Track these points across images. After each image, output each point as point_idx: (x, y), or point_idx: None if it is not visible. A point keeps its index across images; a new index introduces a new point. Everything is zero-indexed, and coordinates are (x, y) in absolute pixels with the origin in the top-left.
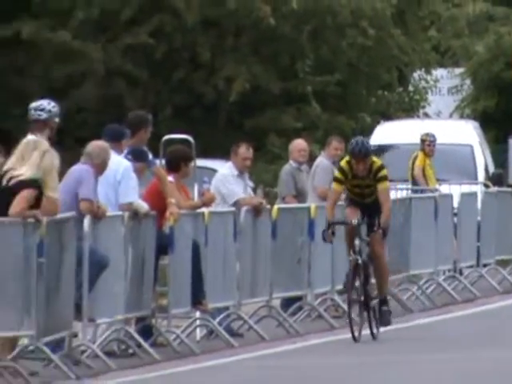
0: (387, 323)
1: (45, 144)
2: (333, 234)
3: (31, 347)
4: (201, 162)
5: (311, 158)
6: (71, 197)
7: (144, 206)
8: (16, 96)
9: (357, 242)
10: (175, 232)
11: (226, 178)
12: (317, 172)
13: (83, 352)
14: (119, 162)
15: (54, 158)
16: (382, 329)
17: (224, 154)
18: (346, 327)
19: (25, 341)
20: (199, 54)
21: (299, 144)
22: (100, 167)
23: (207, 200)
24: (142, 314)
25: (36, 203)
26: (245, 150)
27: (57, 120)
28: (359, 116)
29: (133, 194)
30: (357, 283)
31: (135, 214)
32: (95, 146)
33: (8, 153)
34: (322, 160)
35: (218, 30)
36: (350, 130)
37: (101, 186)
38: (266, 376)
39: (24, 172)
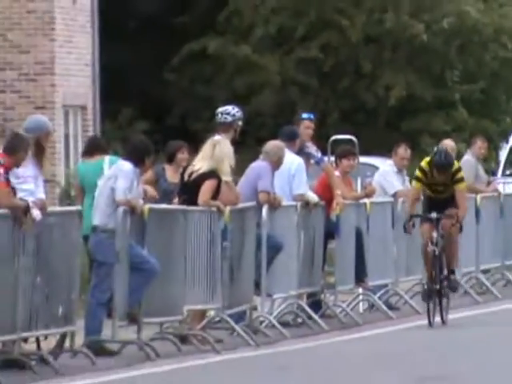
0: (454, 290)
1: (220, 139)
2: (413, 225)
3: (217, 318)
4: (363, 159)
5: (458, 156)
6: (251, 189)
7: (314, 197)
8: (204, 102)
9: (434, 234)
10: (341, 220)
11: (387, 173)
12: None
13: (261, 322)
14: (293, 159)
15: (224, 148)
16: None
17: (383, 152)
18: (488, 302)
19: (212, 313)
20: (362, 66)
21: (448, 144)
22: (276, 163)
23: (369, 192)
24: (313, 289)
25: (217, 190)
26: (403, 151)
27: (240, 123)
28: (500, 119)
29: (304, 186)
30: (432, 274)
31: (306, 204)
32: (272, 145)
33: (195, 151)
34: (467, 158)
35: (378, 45)
36: (492, 131)
37: (277, 180)
38: (424, 344)
39: (201, 166)
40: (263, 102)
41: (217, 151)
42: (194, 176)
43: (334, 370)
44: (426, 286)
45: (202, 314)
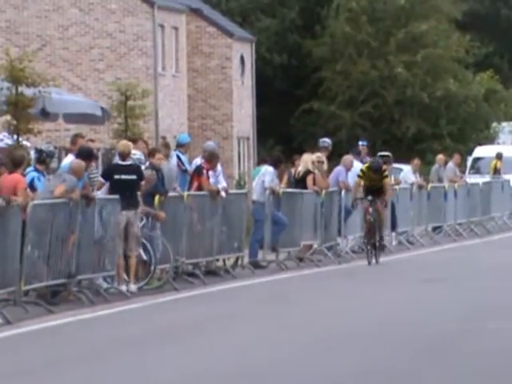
0: (382, 249)
1: (321, 155)
2: (357, 205)
3: (318, 248)
4: (395, 165)
5: (445, 163)
6: (335, 181)
7: None
8: (311, 135)
9: (370, 209)
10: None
11: (407, 173)
12: (447, 169)
13: (341, 251)
14: (357, 165)
15: (321, 158)
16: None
17: (405, 162)
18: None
19: (315, 245)
20: (394, 118)
21: (441, 157)
22: (348, 167)
23: (398, 182)
24: None
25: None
26: (416, 161)
27: (330, 147)
28: (468, 143)
29: None
30: (365, 235)
31: None
32: (345, 158)
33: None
34: (450, 164)
35: (403, 106)
36: (463, 150)
37: (350, 176)
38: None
39: (303, 168)
40: (343, 135)
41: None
42: (301, 174)
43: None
44: (364, 240)
45: (310, 246)
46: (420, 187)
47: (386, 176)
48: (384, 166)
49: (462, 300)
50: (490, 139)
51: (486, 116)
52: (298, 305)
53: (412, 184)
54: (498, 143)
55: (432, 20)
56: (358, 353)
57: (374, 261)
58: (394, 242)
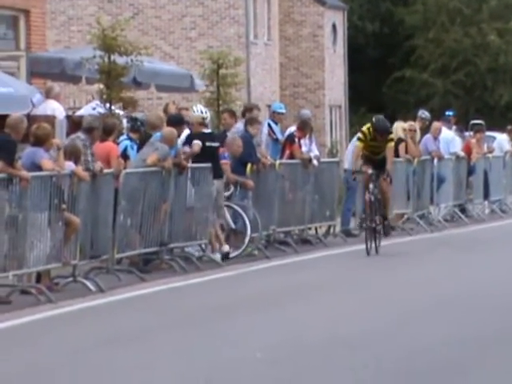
0: (387, 234)
1: (413, 124)
2: (355, 179)
3: (409, 217)
4: (488, 133)
5: None
6: (425, 151)
7: (461, 153)
8: (402, 104)
9: (371, 186)
10: (476, 165)
11: (501, 141)
12: None
13: (433, 219)
14: (448, 133)
15: (413, 126)
16: None
17: (499, 130)
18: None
19: (407, 215)
20: (486, 85)
21: None
22: (435, 135)
23: (490, 150)
24: (460, 202)
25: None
26: (511, 128)
27: (424, 116)
28: None
29: (457, 148)
30: (366, 217)
31: (457, 157)
32: (433, 125)
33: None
34: None
35: (496, 73)
36: None
37: (441, 145)
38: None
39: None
40: (435, 103)
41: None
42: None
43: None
44: (362, 223)
45: (402, 215)
46: None
47: (391, 140)
48: (391, 129)
49: None
50: None
51: None
52: (390, 273)
53: (506, 152)
54: None
55: None
56: (450, 320)
57: (373, 249)
58: (487, 211)
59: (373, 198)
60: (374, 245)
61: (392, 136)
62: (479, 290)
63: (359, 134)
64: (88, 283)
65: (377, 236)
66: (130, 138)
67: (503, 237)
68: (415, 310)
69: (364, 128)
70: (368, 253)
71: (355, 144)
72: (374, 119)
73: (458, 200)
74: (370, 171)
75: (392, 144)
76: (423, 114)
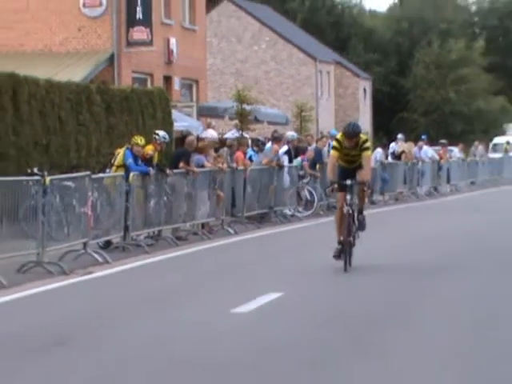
0: (363, 228)
1: None
2: (332, 190)
3: None
4: None
5: None
6: None
7: None
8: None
9: (348, 197)
10: None
11: None
12: None
13: None
14: None
15: None
16: None
17: None
18: None
19: None
20: None
21: None
22: None
23: None
24: None
25: None
26: None
27: None
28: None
29: None
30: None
31: None
32: None
33: None
34: None
35: None
36: None
37: None
38: None
39: None
40: (420, 131)
41: None
42: (398, 153)
43: None
44: (338, 246)
45: (401, 192)
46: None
47: (367, 148)
48: (363, 135)
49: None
50: (503, 133)
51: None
52: (389, 220)
53: (459, 158)
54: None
55: (470, 67)
56: (436, 248)
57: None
58: (449, 190)
59: (350, 210)
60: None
61: (368, 145)
62: (444, 231)
63: (334, 143)
64: (230, 230)
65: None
66: (253, 150)
67: (458, 204)
68: (411, 241)
69: (338, 136)
70: (346, 269)
71: (330, 153)
72: (346, 124)
73: (432, 184)
74: (348, 182)
75: (368, 153)
76: (401, 136)
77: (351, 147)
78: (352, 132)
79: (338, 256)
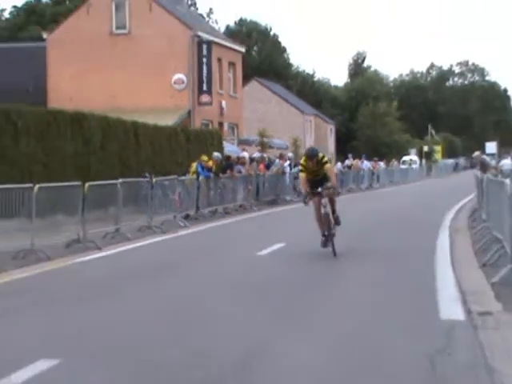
0: (339, 223)
1: None
2: (309, 199)
3: None
4: None
5: None
6: None
7: None
8: None
9: (323, 201)
10: None
11: None
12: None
13: None
14: None
15: None
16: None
17: None
18: None
19: None
20: None
21: None
22: None
23: None
24: None
25: None
26: None
27: None
28: None
29: None
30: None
31: None
32: None
33: None
34: None
35: None
36: None
37: None
38: None
39: None
40: (367, 152)
41: None
42: None
43: None
44: (323, 238)
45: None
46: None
47: (326, 162)
48: (320, 154)
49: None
50: (408, 154)
51: (407, 147)
52: (344, 205)
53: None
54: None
55: (390, 117)
56: (374, 217)
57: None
58: (378, 186)
59: (327, 211)
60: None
61: (325, 159)
62: (377, 207)
63: (300, 167)
64: (255, 208)
65: (333, 240)
66: (268, 163)
67: (384, 193)
68: (359, 213)
69: (301, 160)
70: (335, 254)
71: (300, 175)
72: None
73: (369, 182)
74: (319, 189)
75: (328, 165)
76: (350, 156)
77: (313, 165)
78: (311, 154)
79: (324, 245)
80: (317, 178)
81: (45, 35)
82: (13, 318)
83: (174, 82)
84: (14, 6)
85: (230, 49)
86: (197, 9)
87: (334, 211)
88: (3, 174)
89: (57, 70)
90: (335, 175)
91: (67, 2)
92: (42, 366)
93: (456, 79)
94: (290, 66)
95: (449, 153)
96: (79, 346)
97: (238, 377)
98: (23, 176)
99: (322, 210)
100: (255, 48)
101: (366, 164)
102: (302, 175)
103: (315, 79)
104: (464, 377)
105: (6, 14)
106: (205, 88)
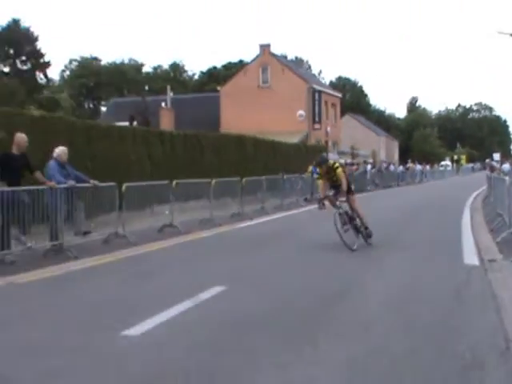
0: (370, 236)
1: None
2: (323, 204)
3: None
4: None
5: None
6: None
7: None
8: None
9: (338, 203)
10: None
11: None
12: None
13: None
14: None
15: None
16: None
17: None
18: None
19: None
20: None
21: None
22: None
23: None
24: None
25: None
26: None
27: None
28: None
29: None
30: (338, 225)
31: None
32: None
33: None
34: None
35: None
36: None
37: None
38: None
39: None
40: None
41: None
42: None
43: None
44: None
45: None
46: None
47: (337, 168)
48: (331, 161)
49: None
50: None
51: (442, 155)
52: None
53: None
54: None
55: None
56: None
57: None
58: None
59: (341, 211)
60: (361, 240)
61: (336, 165)
62: (426, 195)
63: (316, 175)
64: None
65: (360, 232)
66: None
67: (434, 185)
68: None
69: (317, 169)
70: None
71: (316, 182)
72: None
73: (420, 178)
74: (330, 193)
75: (339, 170)
76: (409, 161)
77: (327, 172)
78: (319, 161)
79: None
80: (335, 184)
81: (219, 88)
82: (196, 262)
83: (298, 116)
84: (201, 72)
85: (332, 95)
86: (311, 70)
87: (363, 223)
88: (194, 174)
89: (226, 109)
90: (345, 178)
91: (232, 69)
92: (216, 290)
93: (474, 114)
94: (369, 105)
95: (469, 160)
96: (240, 278)
97: (336, 303)
98: (204, 176)
99: (335, 210)
100: (348, 95)
101: (418, 167)
102: (318, 182)
103: (386, 113)
104: (478, 299)
105: (196, 77)
106: (317, 119)
